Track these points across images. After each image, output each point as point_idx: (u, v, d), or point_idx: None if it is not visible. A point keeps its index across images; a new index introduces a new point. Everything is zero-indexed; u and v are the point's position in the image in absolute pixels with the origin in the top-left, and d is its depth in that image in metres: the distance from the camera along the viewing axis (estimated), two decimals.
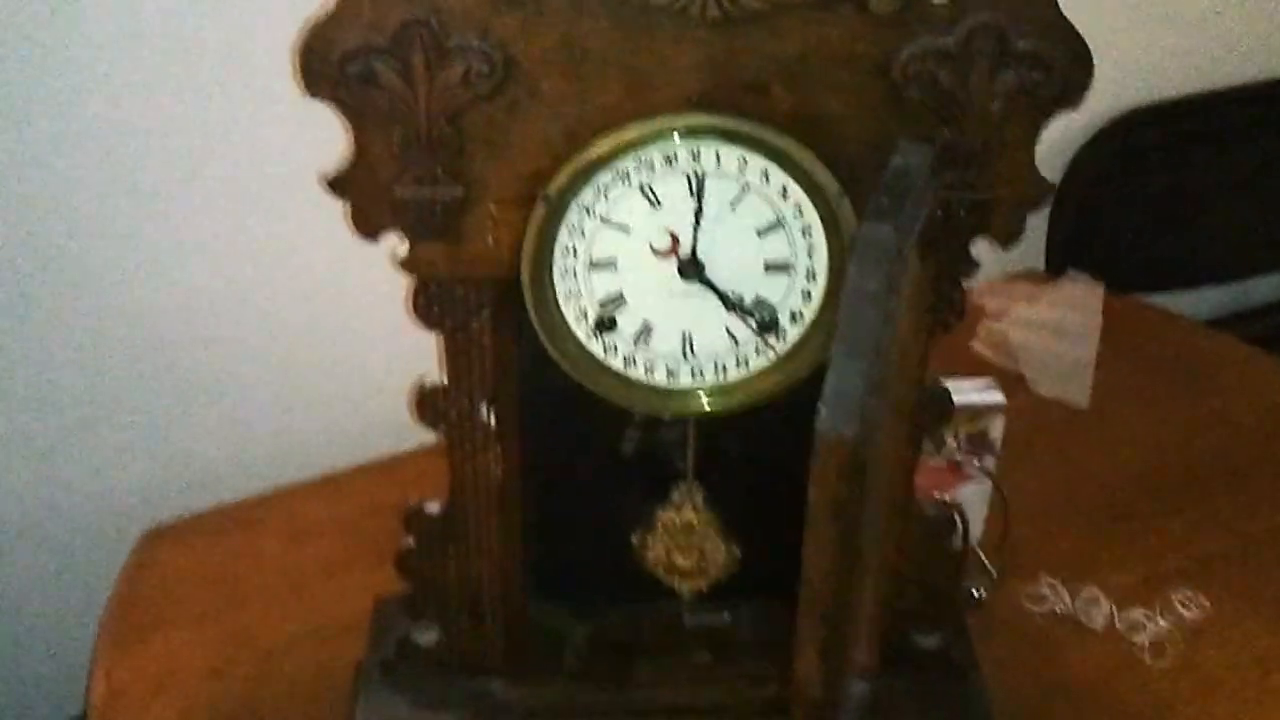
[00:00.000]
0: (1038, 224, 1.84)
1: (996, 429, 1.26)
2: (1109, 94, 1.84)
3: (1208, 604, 1.28)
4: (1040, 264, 1.91)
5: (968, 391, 1.25)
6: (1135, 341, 1.69)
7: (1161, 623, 1.27)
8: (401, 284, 1.06)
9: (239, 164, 1.36)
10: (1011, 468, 1.32)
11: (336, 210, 1.01)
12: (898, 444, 1.08)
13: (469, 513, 1.07)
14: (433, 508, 1.16)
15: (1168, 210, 1.96)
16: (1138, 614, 1.30)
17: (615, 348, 1.03)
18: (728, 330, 1.03)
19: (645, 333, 1.07)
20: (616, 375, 1.09)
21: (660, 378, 1.05)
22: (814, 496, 0.80)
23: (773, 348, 1.08)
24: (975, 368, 1.53)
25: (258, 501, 1.43)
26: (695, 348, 1.03)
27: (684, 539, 1.14)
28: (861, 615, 1.06)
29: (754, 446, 1.16)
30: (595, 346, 1.02)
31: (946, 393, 1.11)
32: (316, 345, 1.50)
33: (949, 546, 1.12)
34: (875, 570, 1.11)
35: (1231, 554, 1.36)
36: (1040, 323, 1.71)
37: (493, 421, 1.09)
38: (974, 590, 1.30)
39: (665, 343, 1.02)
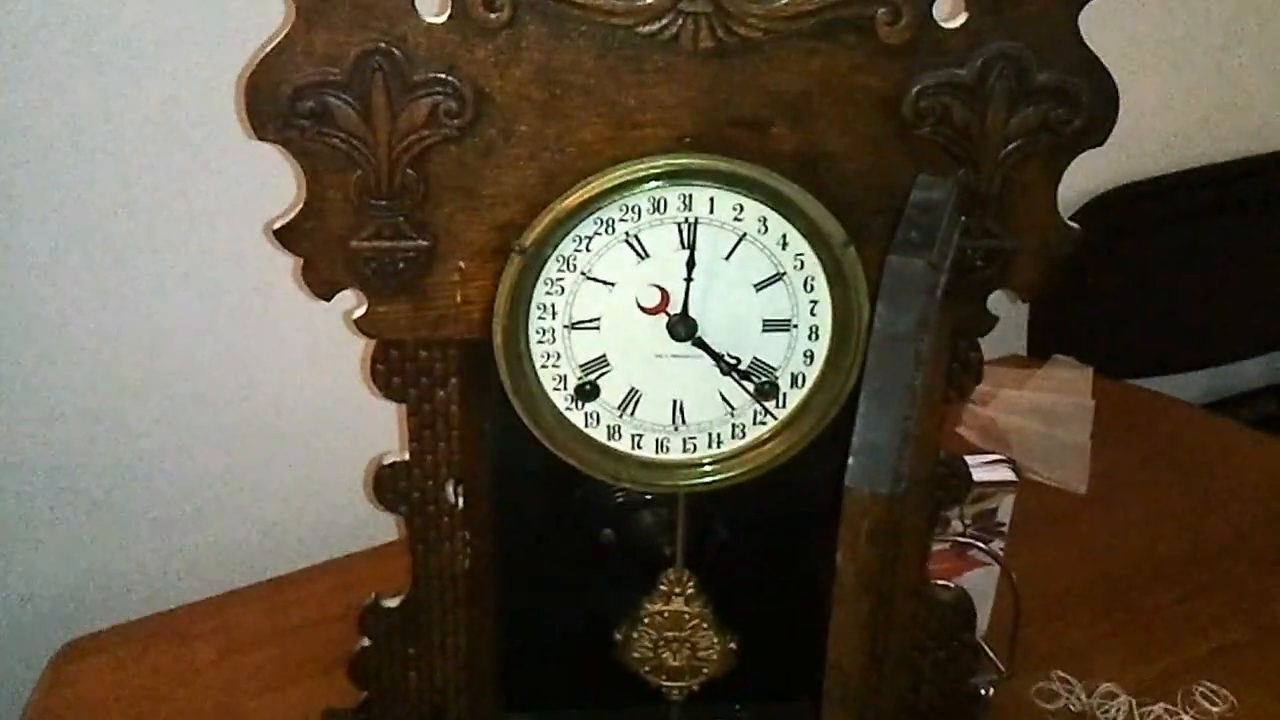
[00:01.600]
0: (1018, 311, 1.81)
1: (1006, 509, 1.18)
2: (1092, 170, 1.79)
3: (1232, 697, 1.22)
4: (1022, 348, 1.88)
5: (976, 468, 1.16)
6: (1129, 425, 1.66)
7: (1185, 719, 1.19)
8: (355, 352, 0.97)
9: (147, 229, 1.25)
10: (1012, 555, 1.23)
11: (274, 282, 0.91)
12: (915, 518, 0.99)
13: (433, 607, 1.00)
14: (391, 603, 1.06)
15: (1153, 292, 1.92)
16: (1158, 710, 1.22)
17: (598, 417, 0.96)
18: (722, 396, 0.97)
19: (632, 400, 0.96)
20: (600, 448, 1.00)
21: (648, 449, 0.98)
22: (843, 565, 0.71)
23: (772, 414, 1.00)
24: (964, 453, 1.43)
25: (189, 609, 1.33)
26: (686, 416, 0.97)
27: (673, 633, 1.06)
28: (886, 708, 0.97)
29: (751, 526, 1.07)
30: (576, 416, 0.96)
31: (964, 464, 1.02)
32: (254, 435, 1.39)
33: (965, 636, 1.03)
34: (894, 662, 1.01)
35: (1252, 642, 1.30)
36: (1030, 407, 1.65)
37: (460, 503, 1.00)
38: (980, 687, 1.18)
39: (654, 411, 0.96)
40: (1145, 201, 1.92)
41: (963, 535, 1.20)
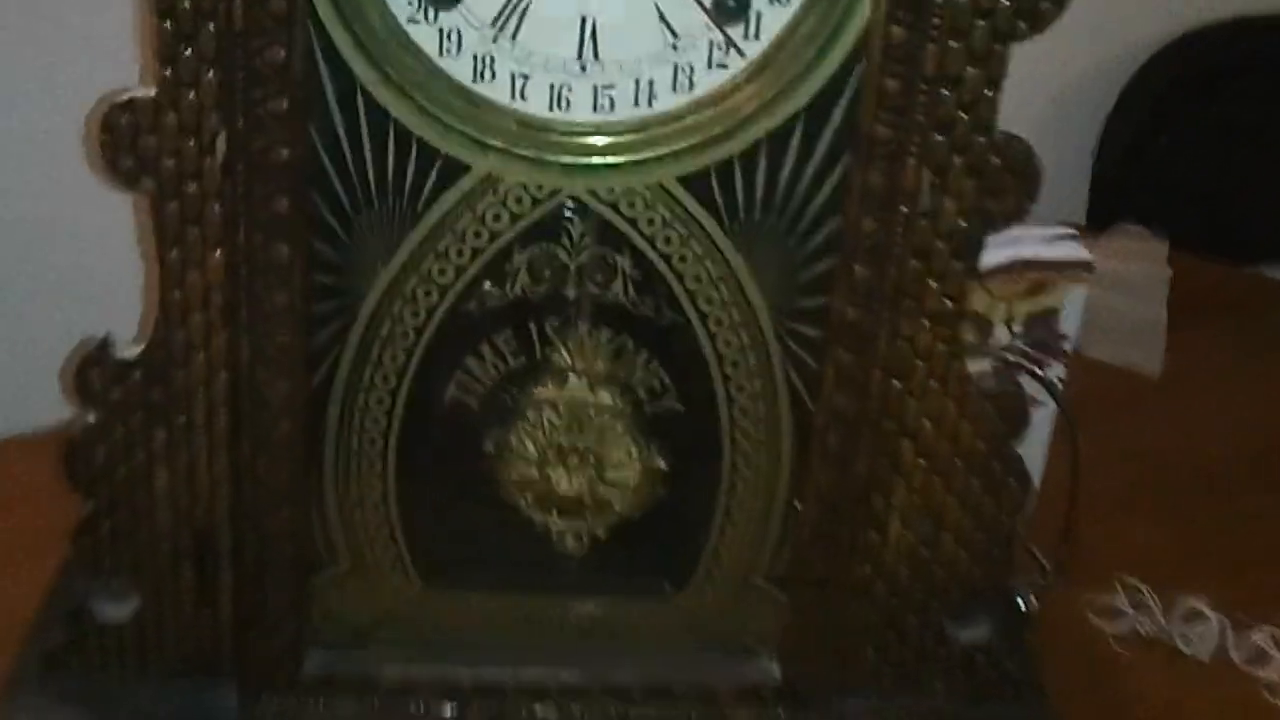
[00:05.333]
0: (1078, 171, 1.64)
1: (1073, 311, 0.86)
2: (1161, 13, 1.58)
3: None
4: (1081, 216, 1.64)
5: (1030, 242, 0.82)
6: (1206, 304, 1.40)
7: None
8: None
9: None
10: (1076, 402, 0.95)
11: None
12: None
13: (192, 354, 0.73)
14: (128, 353, 0.74)
15: (1236, 158, 1.65)
16: (1261, 637, 0.96)
17: (458, 39, 0.69)
18: (660, 13, 0.69)
19: (514, 11, 0.68)
20: (461, 93, 0.69)
21: (536, 103, 0.70)
22: None
23: (738, 49, 0.69)
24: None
25: None
26: (600, 47, 0.69)
27: (570, 439, 0.79)
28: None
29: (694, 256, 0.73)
30: (424, 36, 0.69)
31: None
32: None
33: (1010, 456, 0.77)
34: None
35: None
36: (1097, 276, 1.35)
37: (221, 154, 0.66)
38: (1020, 597, 0.92)
39: (548, 35, 0.69)
40: (1222, 50, 1.66)
41: (1009, 351, 0.85)
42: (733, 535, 0.80)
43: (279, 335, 0.71)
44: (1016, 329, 0.89)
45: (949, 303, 0.73)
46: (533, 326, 0.75)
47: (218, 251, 0.70)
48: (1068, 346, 0.90)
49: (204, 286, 0.70)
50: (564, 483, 0.79)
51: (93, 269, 1.27)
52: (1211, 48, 1.67)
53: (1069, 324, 0.91)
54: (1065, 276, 0.88)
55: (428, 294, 0.73)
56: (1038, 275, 0.88)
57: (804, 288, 0.74)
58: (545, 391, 0.77)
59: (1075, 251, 0.88)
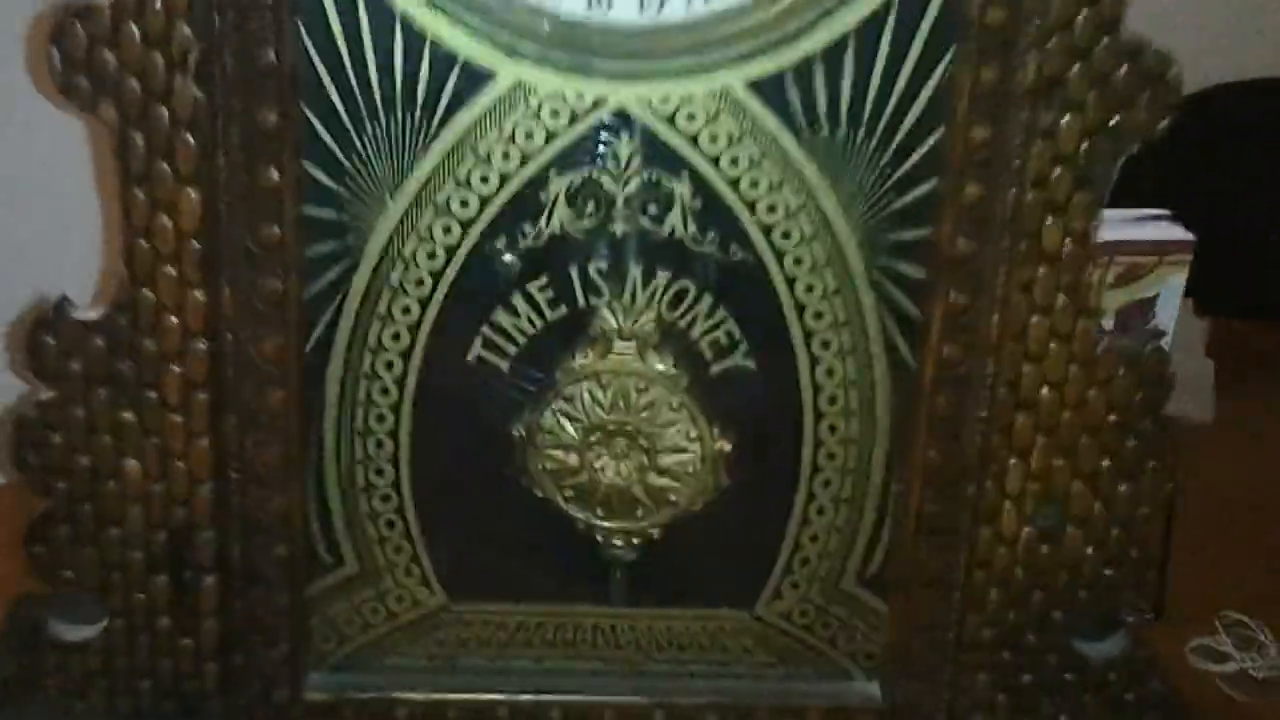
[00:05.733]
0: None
1: (1170, 300, 0.77)
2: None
3: None
4: None
5: (1124, 224, 0.75)
6: (1239, 352, 1.33)
7: None
8: None
9: None
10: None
11: None
12: None
13: (162, 316, 0.62)
14: (87, 314, 0.63)
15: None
16: None
17: None
18: None
19: None
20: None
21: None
22: None
23: None
24: None
25: None
26: None
27: (616, 417, 0.67)
28: None
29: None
30: None
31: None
32: None
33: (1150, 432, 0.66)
34: None
35: None
36: None
37: (194, 61, 0.55)
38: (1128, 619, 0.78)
39: None
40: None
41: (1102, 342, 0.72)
42: (818, 529, 0.68)
43: (268, 281, 0.60)
44: (1106, 324, 0.75)
45: (1071, 244, 0.61)
46: (573, 271, 0.63)
47: (192, 191, 0.59)
48: (1165, 344, 0.77)
49: (176, 233, 0.60)
50: (610, 472, 0.67)
51: (42, 217, 1.12)
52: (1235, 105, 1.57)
53: (1165, 317, 0.77)
54: (1164, 261, 0.75)
55: (446, 231, 0.62)
56: (1131, 260, 0.75)
57: (901, 216, 0.62)
58: (587, 361, 0.65)
59: (1173, 232, 0.75)
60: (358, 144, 0.60)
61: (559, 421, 0.67)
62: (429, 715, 0.68)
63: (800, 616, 0.70)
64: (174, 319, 0.61)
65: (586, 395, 0.66)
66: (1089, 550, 0.67)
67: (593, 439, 0.67)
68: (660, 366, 0.66)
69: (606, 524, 0.69)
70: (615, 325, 0.65)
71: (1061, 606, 0.68)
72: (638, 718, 0.69)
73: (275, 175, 0.59)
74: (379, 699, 0.68)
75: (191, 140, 0.58)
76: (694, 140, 0.61)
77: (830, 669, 0.70)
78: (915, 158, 0.62)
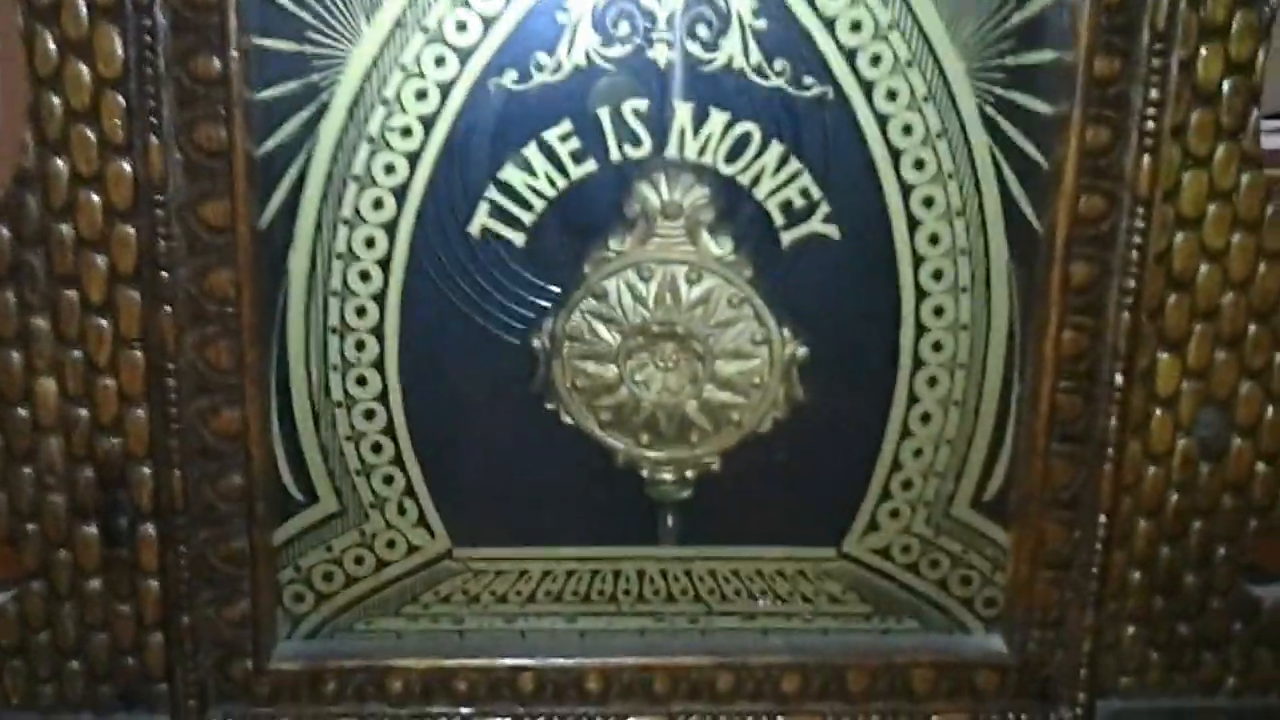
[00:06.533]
0: None
1: None
2: None
3: None
4: None
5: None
6: None
7: None
8: None
9: None
10: None
11: None
12: None
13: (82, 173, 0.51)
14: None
15: None
16: None
17: None
18: None
19: None
20: None
21: None
22: None
23: None
24: None
25: None
26: None
27: (664, 310, 0.55)
28: None
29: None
30: None
31: None
32: None
33: None
34: None
35: None
36: None
37: None
38: None
39: None
40: None
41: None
42: (922, 441, 0.56)
43: (207, 129, 0.48)
44: None
45: (1231, 85, 0.49)
46: (605, 114, 0.51)
47: (111, 27, 0.47)
48: None
49: (94, 82, 0.48)
50: (655, 386, 0.55)
51: None
52: None
53: None
54: None
55: (439, 62, 0.50)
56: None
57: (1023, 33, 0.50)
58: (623, 246, 0.53)
59: None
60: None
61: (590, 324, 0.56)
62: (431, 687, 0.56)
63: (901, 553, 0.58)
64: (94, 195, 0.50)
65: (624, 290, 0.55)
66: (1260, 467, 0.56)
67: (633, 345, 0.55)
68: (716, 249, 0.54)
69: (653, 453, 0.56)
70: (658, 197, 0.53)
71: (1227, 539, 0.57)
72: (697, 684, 0.56)
73: None
74: (368, 668, 0.56)
75: None
76: None
77: (940, 618, 0.58)
78: None
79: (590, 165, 0.52)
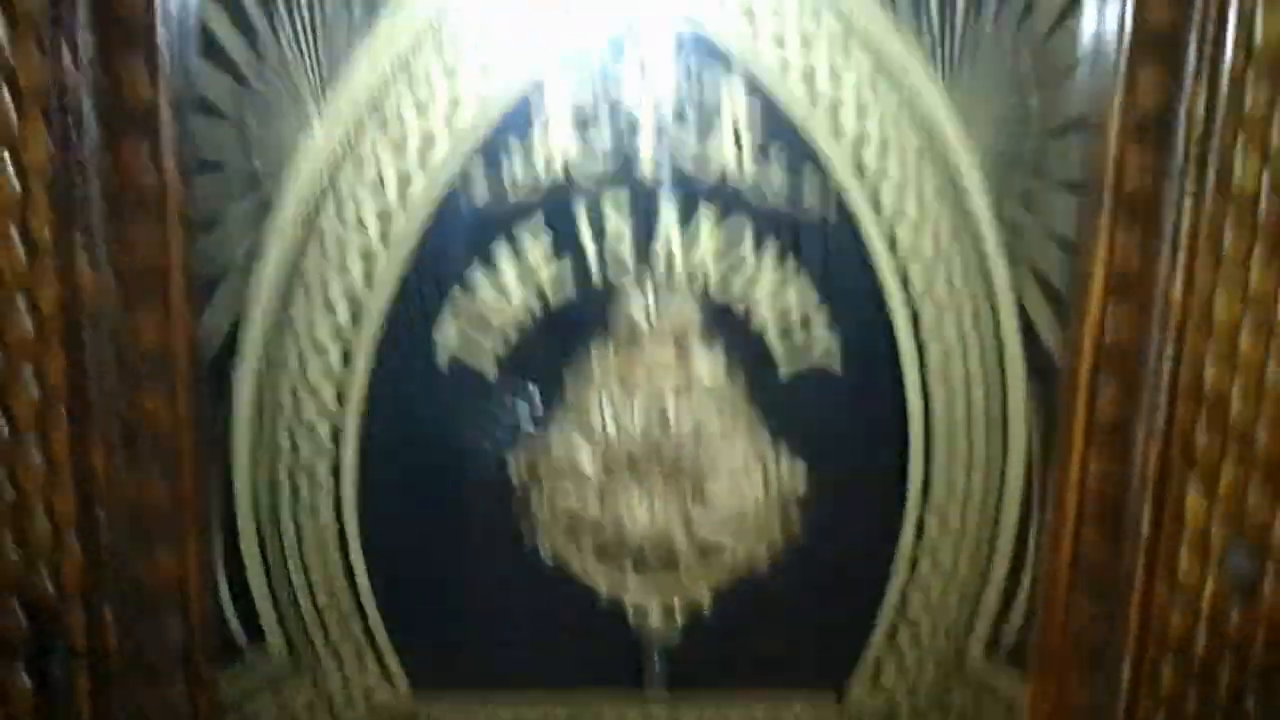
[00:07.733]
0: None
1: None
2: None
3: None
4: None
5: None
6: None
7: None
8: None
9: None
10: None
11: None
12: None
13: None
14: None
15: None
16: None
17: None
18: None
19: None
20: None
21: None
22: None
23: None
24: None
25: None
26: None
27: (649, 432, 0.50)
28: None
29: None
30: None
31: None
32: None
33: None
34: None
35: None
36: None
37: None
38: None
39: None
40: None
41: None
42: (929, 578, 0.51)
43: (139, 232, 0.43)
44: None
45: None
46: (580, 209, 0.47)
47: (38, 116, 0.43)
48: None
49: (19, 175, 0.44)
50: (642, 515, 0.50)
51: None
52: None
53: None
54: None
55: (398, 149, 0.45)
56: None
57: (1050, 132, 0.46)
58: (606, 355, 0.48)
59: None
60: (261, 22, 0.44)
61: (570, 447, 0.50)
62: None
63: (908, 704, 0.52)
64: (20, 300, 0.45)
65: (606, 408, 0.50)
66: None
67: (617, 471, 0.50)
68: (706, 364, 0.50)
69: (638, 590, 0.51)
70: (643, 305, 0.49)
71: (1260, 685, 0.51)
72: None
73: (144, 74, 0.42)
74: None
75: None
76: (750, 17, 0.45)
77: None
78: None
79: (569, 292, 0.48)
